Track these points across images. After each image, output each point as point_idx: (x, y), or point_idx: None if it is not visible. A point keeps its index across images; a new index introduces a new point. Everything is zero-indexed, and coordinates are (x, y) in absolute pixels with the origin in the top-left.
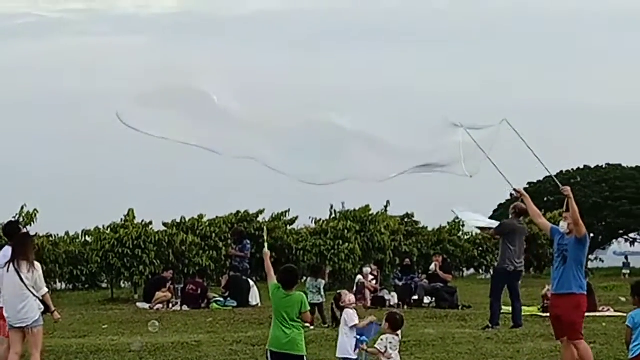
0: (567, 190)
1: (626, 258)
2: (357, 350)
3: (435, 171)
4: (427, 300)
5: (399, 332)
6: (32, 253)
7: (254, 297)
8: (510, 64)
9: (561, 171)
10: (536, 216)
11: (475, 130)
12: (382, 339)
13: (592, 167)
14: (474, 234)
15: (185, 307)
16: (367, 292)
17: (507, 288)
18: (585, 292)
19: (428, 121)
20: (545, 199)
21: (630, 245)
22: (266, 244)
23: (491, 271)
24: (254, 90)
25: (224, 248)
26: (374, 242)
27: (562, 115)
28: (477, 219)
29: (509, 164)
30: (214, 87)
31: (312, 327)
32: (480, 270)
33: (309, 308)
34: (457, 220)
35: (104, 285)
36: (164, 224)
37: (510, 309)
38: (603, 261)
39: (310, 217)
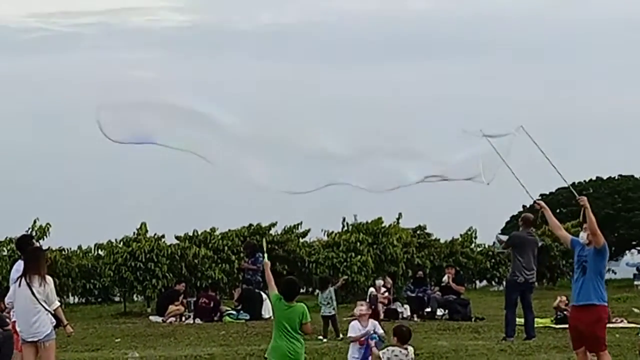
0: (584, 200)
1: (638, 269)
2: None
3: (452, 179)
4: (440, 312)
5: (407, 346)
6: (44, 267)
7: (267, 310)
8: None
9: (573, 183)
10: (556, 228)
11: (493, 138)
12: (386, 350)
13: (605, 178)
14: (486, 245)
15: (198, 321)
16: (380, 305)
17: (520, 299)
18: (606, 303)
19: (446, 130)
20: (558, 210)
21: None
22: (265, 255)
23: (504, 283)
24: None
25: (236, 261)
26: (387, 254)
27: (573, 127)
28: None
29: (520, 175)
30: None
31: (325, 340)
32: (493, 282)
33: (309, 319)
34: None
35: (117, 298)
36: (177, 237)
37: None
38: (615, 272)
39: (322, 230)
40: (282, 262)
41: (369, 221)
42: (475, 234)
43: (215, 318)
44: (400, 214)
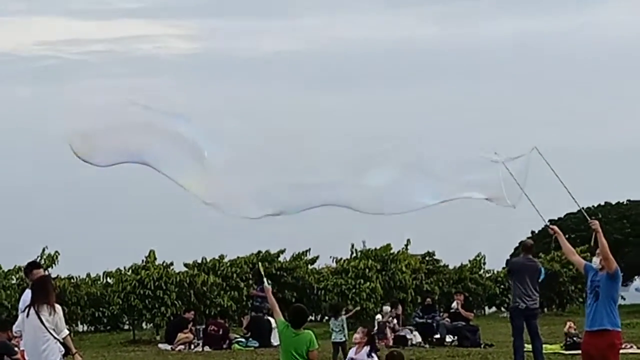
0: (596, 224)
1: None
2: None
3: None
4: (449, 338)
5: None
6: (52, 295)
7: (276, 338)
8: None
9: (582, 208)
10: (570, 253)
11: (510, 161)
12: None
13: (614, 203)
14: (495, 271)
15: (207, 348)
16: (389, 331)
17: (526, 327)
18: (619, 329)
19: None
20: (567, 236)
21: None
22: (265, 279)
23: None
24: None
25: (245, 288)
26: (395, 280)
27: (581, 153)
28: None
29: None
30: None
31: None
32: (502, 308)
33: (317, 347)
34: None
35: (126, 326)
36: (185, 265)
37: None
38: (625, 298)
39: (331, 257)
40: (290, 289)
41: (378, 248)
42: (484, 259)
43: (224, 346)
44: (408, 240)
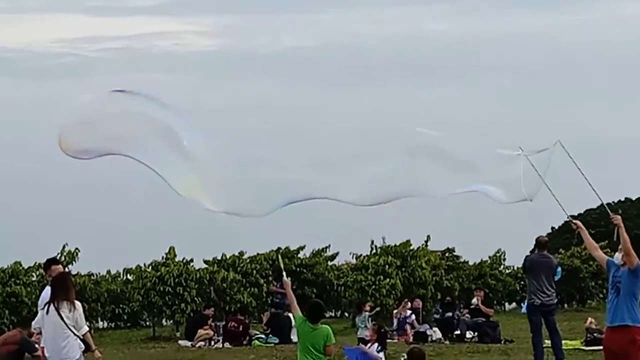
0: (618, 219)
1: None
2: None
3: (493, 194)
4: (469, 334)
5: None
6: (72, 292)
7: (296, 334)
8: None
9: (602, 204)
10: (592, 249)
11: (533, 155)
12: None
13: (634, 199)
14: (515, 268)
15: (227, 345)
16: (409, 327)
17: (544, 323)
18: None
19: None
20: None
21: None
22: (284, 273)
23: None
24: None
25: (265, 285)
26: (415, 277)
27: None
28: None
29: (547, 197)
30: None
31: None
32: (522, 304)
33: (334, 341)
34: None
35: (146, 323)
36: (205, 262)
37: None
38: None
39: (350, 253)
40: (310, 285)
41: (398, 244)
42: (504, 256)
43: (244, 342)
44: (428, 237)
